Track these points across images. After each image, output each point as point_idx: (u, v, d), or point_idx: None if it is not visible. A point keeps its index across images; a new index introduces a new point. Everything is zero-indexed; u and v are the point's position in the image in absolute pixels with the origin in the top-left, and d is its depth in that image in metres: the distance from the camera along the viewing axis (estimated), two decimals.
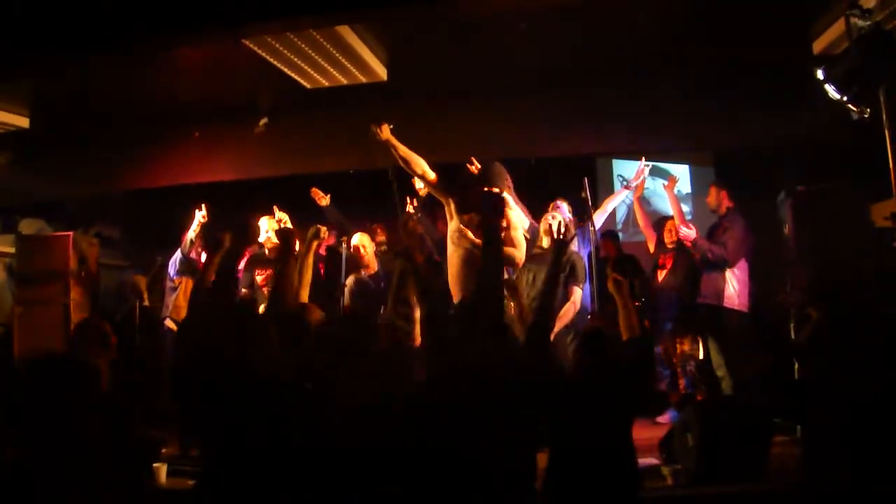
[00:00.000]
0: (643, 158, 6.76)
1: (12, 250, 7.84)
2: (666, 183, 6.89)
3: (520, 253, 5.38)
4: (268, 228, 6.44)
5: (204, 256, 6.93)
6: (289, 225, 5.89)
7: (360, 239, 6.54)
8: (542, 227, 5.88)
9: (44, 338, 6.67)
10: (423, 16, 5.22)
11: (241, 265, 6.65)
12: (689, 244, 6.38)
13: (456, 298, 5.17)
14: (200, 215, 6.77)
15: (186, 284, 6.92)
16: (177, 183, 7.93)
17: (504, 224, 5.32)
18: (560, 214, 5.85)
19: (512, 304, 4.18)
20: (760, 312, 6.28)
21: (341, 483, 2.39)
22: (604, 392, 3.40)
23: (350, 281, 6.48)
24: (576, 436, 3.31)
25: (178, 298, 6.96)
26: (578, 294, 5.80)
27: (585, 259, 6.02)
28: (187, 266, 6.93)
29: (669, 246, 6.89)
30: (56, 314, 6.94)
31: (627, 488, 3.33)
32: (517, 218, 5.51)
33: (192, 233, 6.89)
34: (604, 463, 3.24)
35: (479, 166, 5.51)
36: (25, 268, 7.25)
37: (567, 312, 5.70)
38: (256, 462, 2.40)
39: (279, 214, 6.08)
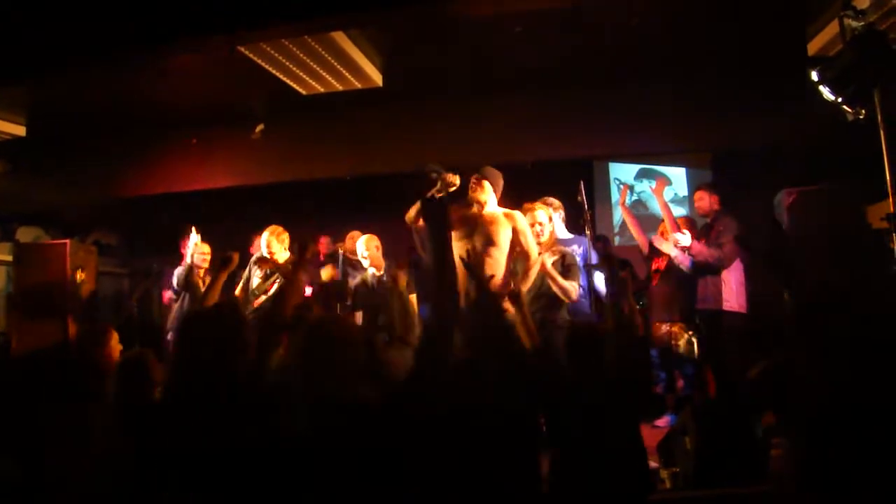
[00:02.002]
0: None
1: (10, 258, 7.83)
2: (653, 185, 6.85)
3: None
4: (268, 241, 6.44)
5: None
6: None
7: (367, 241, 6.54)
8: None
9: (42, 346, 6.65)
10: (416, 19, 5.22)
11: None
12: (683, 251, 6.35)
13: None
14: (196, 239, 6.80)
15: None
16: (174, 190, 7.94)
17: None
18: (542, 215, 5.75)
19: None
20: (758, 313, 6.27)
21: (331, 486, 2.38)
22: (608, 392, 3.38)
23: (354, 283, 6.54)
24: (583, 439, 3.29)
25: None
26: (575, 289, 5.78)
27: (581, 261, 6.00)
28: (189, 283, 6.93)
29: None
30: (54, 322, 6.92)
31: (638, 491, 3.31)
32: (523, 223, 5.46)
33: (189, 257, 6.90)
34: (613, 465, 3.22)
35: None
36: (23, 276, 7.24)
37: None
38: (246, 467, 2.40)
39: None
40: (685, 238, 6.24)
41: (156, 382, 3.31)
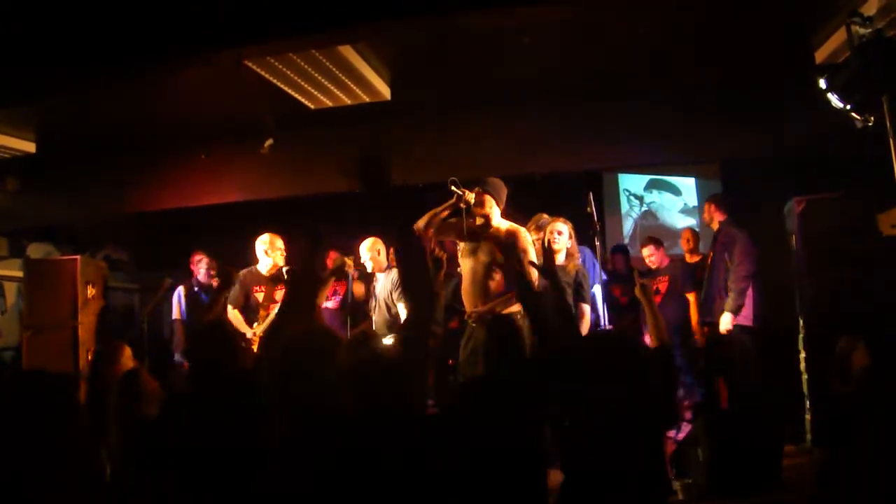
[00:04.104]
0: None
1: (21, 274, 7.88)
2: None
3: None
4: (266, 250, 6.41)
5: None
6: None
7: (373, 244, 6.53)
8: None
9: (52, 361, 6.68)
10: (424, 32, 5.22)
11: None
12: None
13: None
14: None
15: None
16: (183, 205, 7.97)
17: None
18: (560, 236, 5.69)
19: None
20: (767, 327, 6.23)
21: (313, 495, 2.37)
22: (638, 402, 3.31)
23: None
24: (605, 452, 3.22)
25: None
26: (588, 311, 5.74)
27: (592, 275, 5.97)
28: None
29: (658, 266, 6.96)
30: (64, 338, 6.95)
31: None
32: (526, 242, 5.40)
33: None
34: (635, 481, 3.16)
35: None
36: (34, 292, 7.28)
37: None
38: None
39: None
40: (726, 319, 6.16)
41: (151, 397, 3.31)
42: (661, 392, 3.44)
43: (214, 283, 7.18)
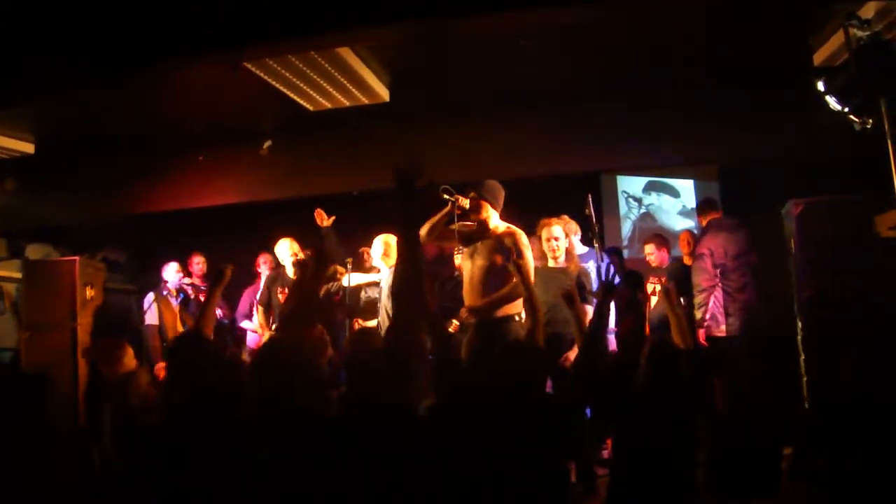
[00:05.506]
0: None
1: (19, 275, 7.86)
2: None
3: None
4: (293, 252, 6.70)
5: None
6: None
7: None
8: (545, 245, 5.76)
9: (51, 362, 6.68)
10: (423, 34, 5.22)
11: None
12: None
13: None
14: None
15: None
16: (182, 207, 7.97)
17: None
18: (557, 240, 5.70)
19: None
20: (750, 335, 6.26)
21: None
22: (673, 406, 3.40)
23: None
24: (645, 453, 3.29)
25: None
26: (591, 312, 5.72)
27: (594, 276, 5.98)
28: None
29: (658, 266, 6.97)
30: (63, 339, 6.94)
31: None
32: (522, 244, 5.39)
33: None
34: (672, 480, 3.22)
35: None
36: (33, 293, 7.26)
37: None
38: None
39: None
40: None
41: (148, 400, 3.32)
42: (691, 391, 3.54)
43: (187, 287, 7.27)
